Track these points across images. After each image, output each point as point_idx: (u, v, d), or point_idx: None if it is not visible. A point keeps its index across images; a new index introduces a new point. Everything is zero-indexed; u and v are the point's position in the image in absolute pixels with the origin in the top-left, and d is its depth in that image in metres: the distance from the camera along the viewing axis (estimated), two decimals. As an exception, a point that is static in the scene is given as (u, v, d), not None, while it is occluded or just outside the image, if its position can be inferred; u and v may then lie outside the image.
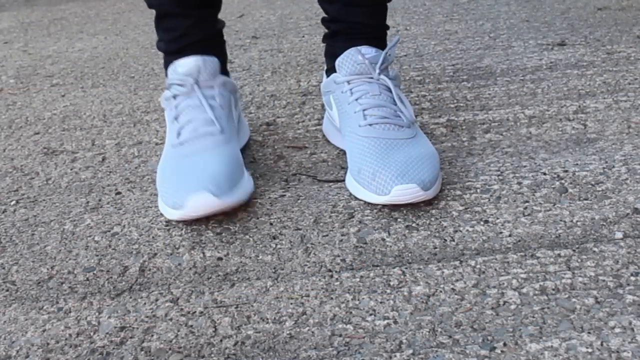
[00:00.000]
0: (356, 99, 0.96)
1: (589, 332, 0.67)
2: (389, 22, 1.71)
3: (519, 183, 0.93)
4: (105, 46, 1.68)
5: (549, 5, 1.70)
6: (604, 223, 0.84)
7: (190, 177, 0.86)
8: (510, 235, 0.83)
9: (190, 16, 1.00)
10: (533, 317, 0.70)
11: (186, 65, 0.97)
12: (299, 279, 0.79)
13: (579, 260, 0.77)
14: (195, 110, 0.95)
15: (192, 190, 0.84)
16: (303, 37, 1.63)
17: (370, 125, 0.93)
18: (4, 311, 0.77)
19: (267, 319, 0.73)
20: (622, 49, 1.36)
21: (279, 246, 0.85)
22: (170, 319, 0.74)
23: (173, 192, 0.86)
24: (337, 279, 0.78)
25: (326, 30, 1.07)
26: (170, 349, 0.70)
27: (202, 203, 0.84)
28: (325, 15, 1.05)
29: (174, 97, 0.98)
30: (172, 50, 1.02)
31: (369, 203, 0.91)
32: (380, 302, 0.74)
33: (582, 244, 0.80)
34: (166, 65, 1.03)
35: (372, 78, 0.97)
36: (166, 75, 1.01)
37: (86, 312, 0.76)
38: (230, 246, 0.85)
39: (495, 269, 0.77)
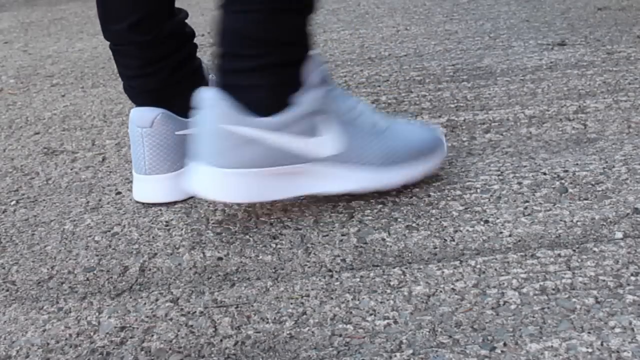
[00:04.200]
0: None
1: (589, 332, 0.67)
2: (389, 21, 1.71)
3: (519, 183, 0.93)
4: (105, 46, 1.68)
5: (549, 5, 1.70)
6: (604, 223, 0.84)
7: None
8: (510, 235, 0.83)
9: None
10: (533, 317, 0.70)
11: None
12: (299, 279, 0.79)
13: (579, 260, 0.77)
14: None
15: None
16: (303, 37, 1.62)
17: None
18: (4, 311, 0.77)
19: (267, 319, 0.73)
20: (622, 49, 1.36)
21: (279, 246, 0.85)
22: (171, 319, 0.74)
23: None
24: (337, 279, 0.78)
25: None
26: (170, 349, 0.70)
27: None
28: None
29: None
30: None
31: (369, 203, 0.91)
32: (381, 302, 0.74)
33: (582, 244, 0.80)
34: None
35: None
36: None
37: (86, 312, 0.76)
38: (230, 246, 0.85)
39: (496, 269, 0.77)
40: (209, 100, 0.85)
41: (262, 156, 0.86)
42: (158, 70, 0.94)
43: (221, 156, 0.85)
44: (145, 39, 0.93)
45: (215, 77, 0.87)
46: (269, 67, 0.85)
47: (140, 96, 0.95)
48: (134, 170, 0.96)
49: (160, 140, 0.94)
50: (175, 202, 0.95)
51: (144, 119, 0.93)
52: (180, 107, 0.96)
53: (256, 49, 0.84)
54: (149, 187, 0.95)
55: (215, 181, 0.86)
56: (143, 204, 0.96)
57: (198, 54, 1.00)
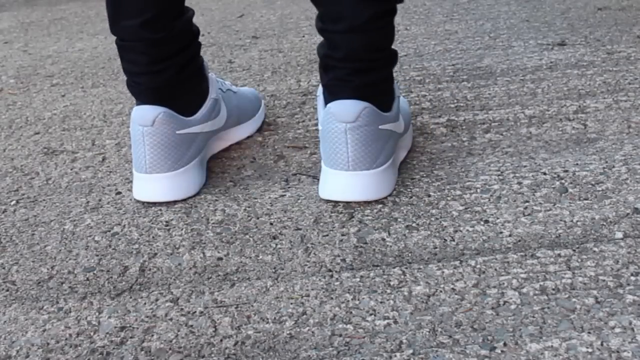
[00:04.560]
0: None
1: (589, 332, 0.67)
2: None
3: (519, 183, 0.93)
4: (105, 46, 1.68)
5: (549, 5, 1.70)
6: (604, 223, 0.84)
7: None
8: (510, 235, 0.83)
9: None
10: (533, 317, 0.70)
11: None
12: (299, 278, 0.79)
13: (579, 260, 0.77)
14: None
15: None
16: (303, 37, 1.63)
17: None
18: (4, 311, 0.77)
19: (267, 318, 0.73)
20: (622, 49, 1.36)
21: (279, 246, 0.85)
22: (171, 319, 0.74)
23: None
24: (337, 279, 0.78)
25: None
26: (170, 348, 0.70)
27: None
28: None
29: None
30: None
31: (369, 203, 0.91)
32: (381, 302, 0.74)
33: (582, 243, 0.80)
34: None
35: None
36: None
37: (86, 312, 0.76)
38: (230, 246, 0.85)
39: (496, 269, 0.77)
40: (355, 109, 0.89)
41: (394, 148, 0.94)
42: (165, 68, 0.94)
43: (378, 156, 0.90)
44: (156, 36, 0.93)
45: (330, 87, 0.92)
46: (390, 70, 0.94)
47: (144, 93, 0.95)
48: (134, 169, 0.96)
49: (162, 139, 0.93)
50: (175, 202, 0.95)
51: (145, 118, 0.93)
52: (182, 105, 0.96)
53: (378, 57, 0.92)
54: (149, 186, 0.95)
55: (373, 182, 0.90)
56: (143, 203, 0.96)
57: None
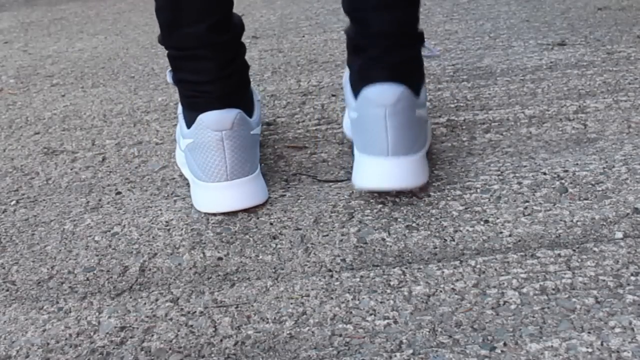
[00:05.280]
0: None
1: (589, 332, 0.67)
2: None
3: (519, 183, 0.93)
4: (105, 46, 1.68)
5: (549, 5, 1.70)
6: (604, 223, 0.84)
7: None
8: (510, 235, 0.83)
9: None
10: (533, 317, 0.70)
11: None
12: (299, 278, 0.79)
13: (579, 260, 0.77)
14: None
15: None
16: (303, 37, 1.63)
17: None
18: (4, 311, 0.77)
19: (267, 318, 0.73)
20: (622, 48, 1.36)
21: (279, 246, 0.85)
22: (171, 319, 0.74)
23: None
24: (337, 278, 0.78)
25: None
26: (170, 349, 0.70)
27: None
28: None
29: None
30: None
31: (369, 203, 0.91)
32: (381, 302, 0.74)
33: (582, 243, 0.80)
34: None
35: None
36: None
37: (86, 312, 0.76)
38: (230, 246, 0.85)
39: (496, 269, 0.77)
40: (394, 92, 0.87)
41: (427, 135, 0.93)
42: (233, 71, 0.92)
43: (415, 142, 0.88)
44: (222, 39, 0.90)
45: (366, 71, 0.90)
46: (419, 48, 0.93)
47: (216, 101, 0.90)
48: (204, 180, 0.90)
49: (241, 141, 0.89)
50: (174, 202, 0.95)
51: (223, 122, 0.88)
52: (245, 106, 0.94)
53: (411, 39, 0.91)
54: (230, 194, 0.90)
55: (412, 169, 0.88)
56: (144, 203, 0.96)
57: None
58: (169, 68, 0.95)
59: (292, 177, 0.99)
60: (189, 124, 0.92)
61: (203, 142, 0.89)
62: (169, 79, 0.95)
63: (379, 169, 0.87)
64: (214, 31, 0.89)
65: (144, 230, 0.90)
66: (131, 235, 0.89)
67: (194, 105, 0.92)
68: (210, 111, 0.89)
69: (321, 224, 0.88)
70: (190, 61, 0.91)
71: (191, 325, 0.73)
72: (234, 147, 0.89)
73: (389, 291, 0.75)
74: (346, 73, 0.98)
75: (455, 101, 1.19)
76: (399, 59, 0.89)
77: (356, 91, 0.92)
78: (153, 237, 0.88)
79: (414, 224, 0.86)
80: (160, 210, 0.94)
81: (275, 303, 0.75)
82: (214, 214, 0.91)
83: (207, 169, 0.89)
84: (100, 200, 0.99)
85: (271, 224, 0.89)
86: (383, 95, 0.86)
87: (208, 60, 0.90)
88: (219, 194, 0.89)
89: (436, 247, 0.82)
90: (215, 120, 0.88)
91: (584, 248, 0.79)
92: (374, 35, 0.89)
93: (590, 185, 0.91)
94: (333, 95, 1.26)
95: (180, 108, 0.96)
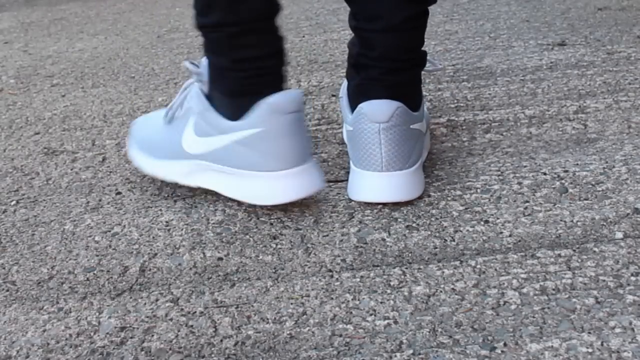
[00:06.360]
0: None
1: (589, 332, 0.67)
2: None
3: (519, 183, 0.93)
4: (105, 46, 1.68)
5: (549, 5, 1.70)
6: (604, 223, 0.84)
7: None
8: (510, 235, 0.83)
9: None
10: (533, 317, 0.70)
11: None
12: (299, 279, 0.79)
13: (579, 260, 0.77)
14: None
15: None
16: (303, 37, 1.63)
17: None
18: (4, 311, 0.77)
19: (268, 319, 0.73)
20: (623, 49, 1.36)
21: (279, 246, 0.85)
22: (171, 319, 0.74)
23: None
24: (337, 279, 0.78)
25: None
26: (170, 349, 0.70)
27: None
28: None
29: None
30: None
31: (369, 203, 0.91)
32: (381, 302, 0.74)
33: (583, 244, 0.80)
34: None
35: None
36: None
37: (86, 312, 0.76)
38: (230, 246, 0.85)
39: (496, 269, 0.77)
40: (389, 108, 0.88)
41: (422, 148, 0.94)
42: (280, 48, 0.91)
43: (410, 156, 0.89)
44: (277, 9, 0.88)
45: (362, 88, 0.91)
46: (420, 70, 0.94)
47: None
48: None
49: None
50: (175, 202, 0.95)
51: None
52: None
53: (412, 57, 0.92)
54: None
55: (406, 183, 0.89)
56: (144, 204, 0.96)
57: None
58: (196, 59, 0.90)
59: (292, 177, 0.99)
60: (243, 110, 0.89)
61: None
62: (201, 68, 0.91)
63: (374, 183, 0.89)
64: (268, 2, 0.87)
65: (144, 231, 0.90)
66: (131, 235, 0.89)
67: (255, 86, 0.88)
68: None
69: (321, 224, 0.88)
70: (250, 35, 0.87)
71: (191, 326, 0.73)
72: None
73: (389, 291, 0.75)
74: (344, 85, 0.98)
75: (456, 101, 1.19)
76: (399, 80, 0.91)
77: (353, 106, 0.93)
78: (153, 237, 0.88)
79: (414, 224, 0.86)
80: (161, 210, 0.94)
81: (275, 303, 0.75)
82: (214, 213, 0.91)
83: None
84: (100, 200, 0.99)
85: (271, 224, 0.89)
86: (378, 111, 0.88)
87: (267, 33, 0.88)
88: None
89: (436, 247, 0.82)
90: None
91: (584, 248, 0.79)
92: (377, 59, 0.90)
93: (590, 186, 0.91)
94: (333, 96, 1.26)
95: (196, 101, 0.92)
